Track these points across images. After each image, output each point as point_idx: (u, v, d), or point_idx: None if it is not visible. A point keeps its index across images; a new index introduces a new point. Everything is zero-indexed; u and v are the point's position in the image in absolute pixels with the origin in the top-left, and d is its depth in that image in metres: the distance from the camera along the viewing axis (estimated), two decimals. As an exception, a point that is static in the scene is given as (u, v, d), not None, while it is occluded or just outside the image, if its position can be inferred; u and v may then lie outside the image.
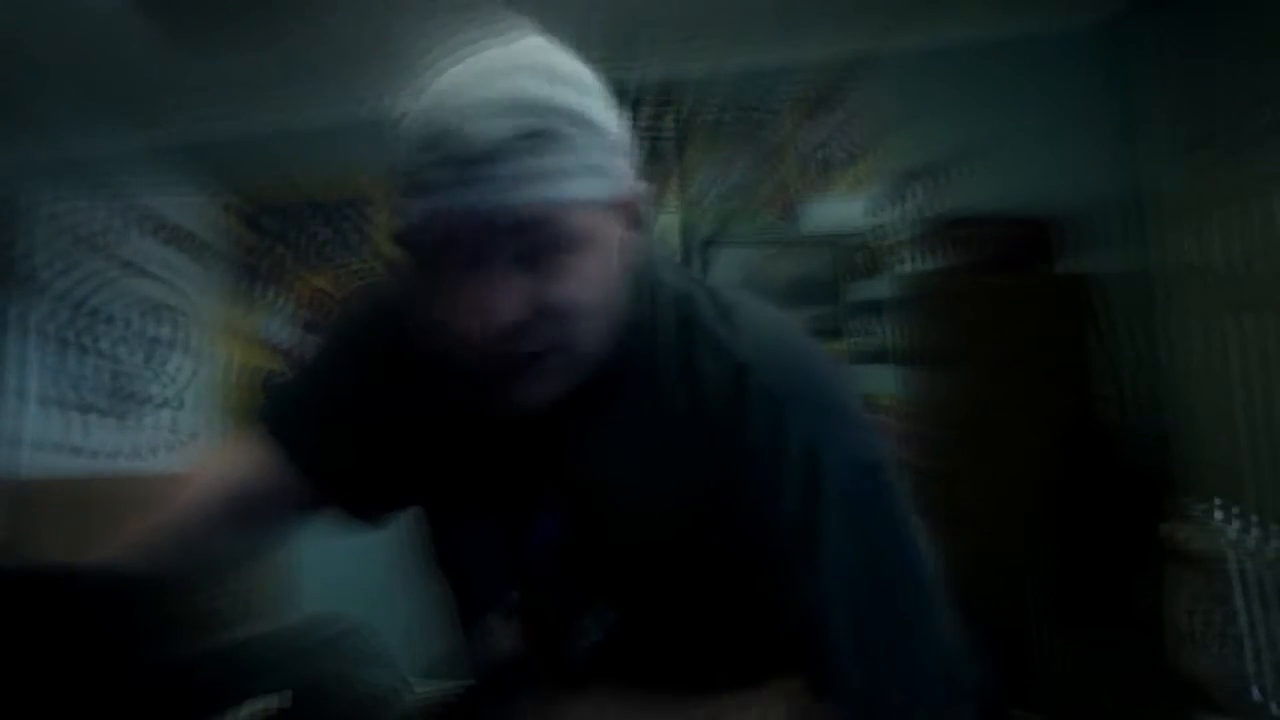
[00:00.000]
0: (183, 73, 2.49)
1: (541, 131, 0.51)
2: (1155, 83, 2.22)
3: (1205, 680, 1.79)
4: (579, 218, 0.53)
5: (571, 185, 0.52)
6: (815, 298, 2.52)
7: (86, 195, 2.98)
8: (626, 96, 0.56)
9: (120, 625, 0.50)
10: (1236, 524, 1.84)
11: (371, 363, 0.69)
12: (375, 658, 0.59)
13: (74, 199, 3.00)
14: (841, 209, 2.56)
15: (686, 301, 0.63)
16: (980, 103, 2.46)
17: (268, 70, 2.54)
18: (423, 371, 0.64)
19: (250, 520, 0.68)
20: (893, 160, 2.52)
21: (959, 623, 0.58)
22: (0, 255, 3.01)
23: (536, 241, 0.52)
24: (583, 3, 2.19)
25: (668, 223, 2.62)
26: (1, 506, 2.73)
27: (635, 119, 0.54)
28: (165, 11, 2.11)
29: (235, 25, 2.20)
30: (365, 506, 0.72)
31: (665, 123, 2.66)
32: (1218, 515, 1.89)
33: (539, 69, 0.53)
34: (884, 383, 2.38)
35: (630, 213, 0.59)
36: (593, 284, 0.55)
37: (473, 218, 0.51)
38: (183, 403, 2.95)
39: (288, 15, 2.16)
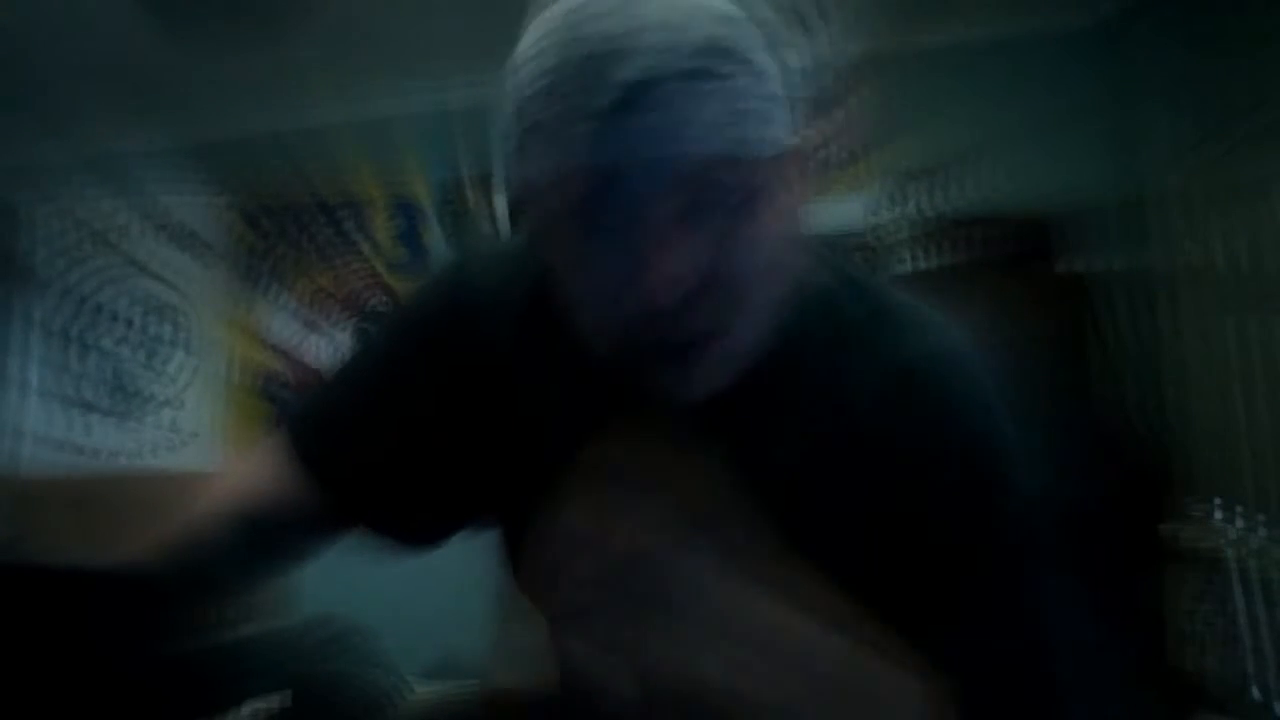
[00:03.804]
0: (184, 73, 2.50)
1: (702, 71, 0.42)
2: (1155, 83, 2.22)
3: (1205, 680, 1.79)
4: (748, 171, 0.44)
5: (738, 133, 0.43)
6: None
7: (89, 194, 2.98)
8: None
9: (121, 625, 0.50)
10: (1236, 524, 1.83)
11: (423, 368, 0.61)
12: (375, 658, 0.59)
13: (76, 198, 3.00)
14: (841, 208, 2.56)
15: (832, 292, 0.54)
16: (980, 102, 2.45)
17: (269, 70, 2.54)
18: (532, 368, 0.56)
19: (267, 536, 0.62)
20: (893, 160, 2.52)
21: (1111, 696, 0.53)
22: (3, 254, 3.01)
23: (701, 199, 0.43)
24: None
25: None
26: (2, 504, 2.74)
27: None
28: (167, 12, 2.12)
29: (237, 25, 2.20)
30: (409, 529, 0.64)
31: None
32: (1218, 515, 1.89)
33: (693, 3, 0.44)
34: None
35: (797, 172, 0.49)
36: (765, 252, 0.45)
37: (628, 169, 0.42)
38: (184, 402, 2.95)
39: (289, 15, 2.16)
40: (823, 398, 0.51)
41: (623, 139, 0.42)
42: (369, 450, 0.61)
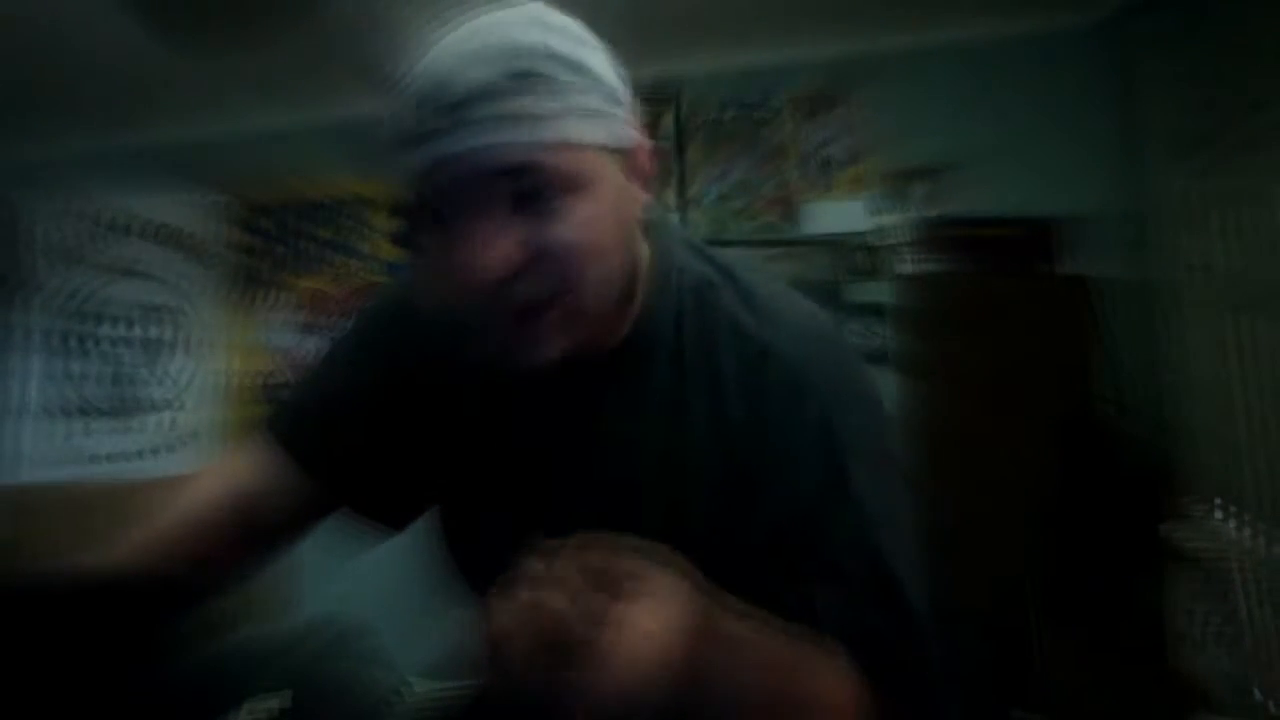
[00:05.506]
0: (181, 73, 2.50)
1: (531, 73, 0.50)
2: (1155, 83, 2.22)
3: (1205, 680, 1.79)
4: (574, 159, 0.52)
5: (563, 126, 0.51)
6: (815, 299, 2.52)
7: (85, 197, 2.98)
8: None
9: (122, 628, 0.50)
10: (1236, 524, 1.84)
11: (380, 360, 0.69)
12: (375, 658, 0.59)
13: (73, 201, 3.00)
14: (842, 210, 2.56)
15: (706, 281, 0.62)
16: (980, 103, 2.46)
17: (267, 70, 2.54)
18: (433, 359, 0.63)
19: (256, 526, 0.66)
20: (893, 161, 2.52)
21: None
22: (1, 255, 3.01)
23: (531, 183, 0.51)
24: (583, 2, 2.19)
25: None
26: (3, 510, 2.74)
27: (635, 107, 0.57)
28: (164, 12, 2.12)
29: (233, 25, 2.20)
30: (382, 509, 0.71)
31: (665, 123, 2.66)
32: (1218, 515, 1.89)
33: (530, 21, 0.53)
34: (884, 384, 2.38)
35: (633, 163, 0.57)
36: (592, 228, 0.53)
37: (465, 161, 0.50)
38: (183, 404, 2.95)
39: (286, 15, 2.16)
40: (690, 375, 0.58)
41: (453, 143, 0.50)
42: (345, 438, 0.67)
